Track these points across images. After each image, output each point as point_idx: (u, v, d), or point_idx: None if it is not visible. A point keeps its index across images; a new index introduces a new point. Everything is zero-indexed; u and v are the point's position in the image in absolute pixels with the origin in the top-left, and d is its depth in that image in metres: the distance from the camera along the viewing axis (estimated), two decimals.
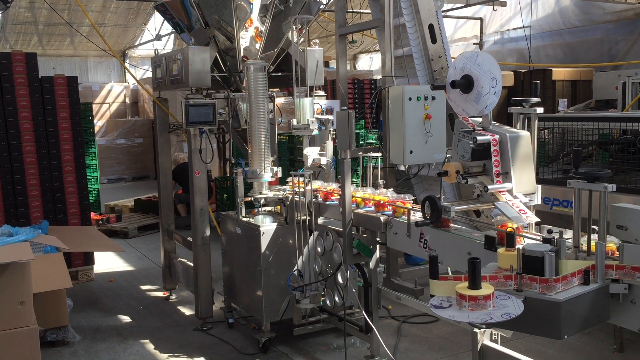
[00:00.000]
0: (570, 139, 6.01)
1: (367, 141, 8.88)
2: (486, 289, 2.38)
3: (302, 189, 4.83)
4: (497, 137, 3.27)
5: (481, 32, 15.38)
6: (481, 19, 15.46)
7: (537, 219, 3.19)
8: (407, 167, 4.52)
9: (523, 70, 12.37)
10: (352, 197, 4.44)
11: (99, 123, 16.61)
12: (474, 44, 15.56)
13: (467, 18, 15.78)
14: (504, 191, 3.26)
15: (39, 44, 17.78)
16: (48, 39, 17.93)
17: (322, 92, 5.82)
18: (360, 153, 4.68)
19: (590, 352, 4.91)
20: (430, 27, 6.36)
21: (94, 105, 13.20)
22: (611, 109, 9.72)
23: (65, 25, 16.50)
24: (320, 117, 5.40)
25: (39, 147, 6.70)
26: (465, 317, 2.30)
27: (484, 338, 3.56)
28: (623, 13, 12.62)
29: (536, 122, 3.43)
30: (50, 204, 6.80)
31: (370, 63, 21.27)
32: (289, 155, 9.48)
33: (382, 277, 4.63)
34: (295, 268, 4.93)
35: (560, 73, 11.70)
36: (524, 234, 3.17)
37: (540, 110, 3.40)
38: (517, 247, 2.64)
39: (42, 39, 17.78)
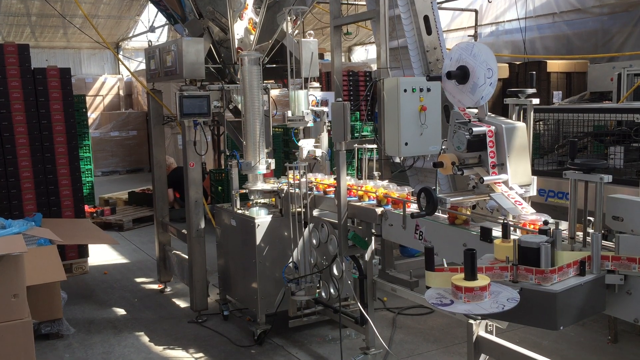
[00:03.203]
0: (564, 131, 6.00)
1: (362, 133, 8.87)
2: (482, 280, 2.37)
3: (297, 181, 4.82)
4: (492, 128, 3.26)
5: (476, 24, 15.35)
6: (476, 11, 15.43)
7: (533, 210, 3.18)
8: (402, 159, 4.51)
9: (518, 62, 12.36)
10: (373, 193, 4.30)
11: (92, 115, 16.51)
12: (468, 35, 15.53)
13: (461, 10, 15.74)
14: (499, 182, 3.25)
15: (32, 36, 17.67)
16: (41, 30, 17.82)
17: (317, 84, 5.79)
18: (356, 145, 4.66)
19: (585, 343, 4.93)
20: (426, 18, 6.35)
21: (87, 98, 13.15)
22: (605, 101, 9.72)
23: (58, 16, 16.40)
24: (315, 108, 5.38)
25: (32, 139, 6.66)
26: (464, 308, 2.29)
27: (479, 329, 3.56)
28: (618, 5, 12.62)
29: (532, 113, 3.42)
30: (43, 197, 6.77)
31: (365, 55, 21.23)
32: (283, 147, 9.45)
33: (377, 269, 4.62)
34: (291, 260, 4.92)
35: (555, 65, 11.69)
36: (519, 225, 3.16)
37: (536, 101, 3.39)
38: (513, 238, 2.63)
39: (34, 30, 17.67)
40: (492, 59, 3.24)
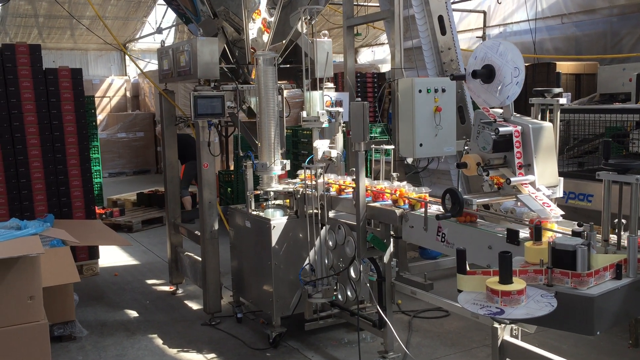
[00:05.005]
0: (574, 133, 5.94)
1: (372, 134, 8.81)
2: (518, 283, 2.31)
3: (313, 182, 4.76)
4: (519, 128, 3.21)
5: (484, 25, 15.30)
6: (484, 12, 15.38)
7: (562, 212, 3.12)
8: (416, 160, 4.43)
9: (527, 64, 12.29)
10: (407, 198, 4.15)
11: (99, 117, 16.49)
12: (477, 37, 15.48)
13: (469, 11, 15.69)
14: (526, 183, 3.19)
15: (39, 37, 17.64)
16: (48, 32, 17.80)
17: (331, 84, 5.74)
18: (373, 146, 4.61)
19: (605, 347, 4.86)
20: (440, 18, 6.30)
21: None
22: (616, 102, 9.63)
23: (66, 18, 16.37)
24: (329, 109, 5.33)
25: (43, 140, 6.61)
26: (519, 313, 2.22)
27: (505, 333, 3.50)
28: (628, 6, 12.54)
29: (558, 113, 3.36)
30: (54, 198, 6.72)
31: (372, 56, 21.17)
32: (293, 149, 9.40)
33: (394, 272, 4.57)
34: (307, 262, 4.86)
35: (564, 66, 11.62)
36: (550, 227, 3.10)
37: (563, 101, 3.34)
38: (546, 240, 2.57)
39: (42, 32, 17.64)
40: (519, 58, 3.19)
